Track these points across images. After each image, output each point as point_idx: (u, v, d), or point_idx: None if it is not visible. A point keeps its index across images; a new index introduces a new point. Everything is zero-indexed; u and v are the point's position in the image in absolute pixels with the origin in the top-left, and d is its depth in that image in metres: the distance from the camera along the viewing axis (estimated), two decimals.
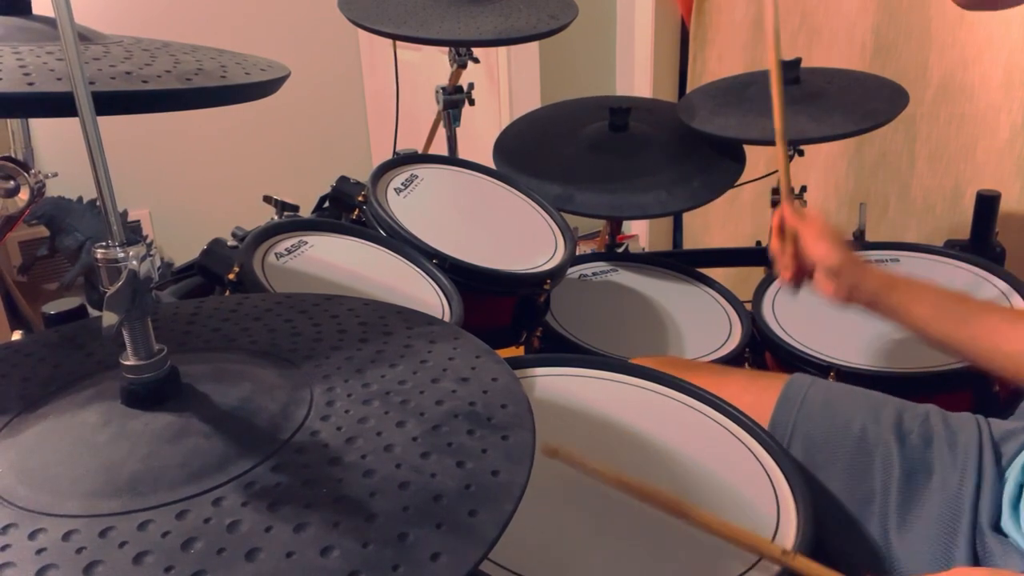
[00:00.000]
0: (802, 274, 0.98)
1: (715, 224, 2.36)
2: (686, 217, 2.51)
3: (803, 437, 0.84)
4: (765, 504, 0.72)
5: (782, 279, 1.00)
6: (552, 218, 1.26)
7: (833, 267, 0.93)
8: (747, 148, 1.43)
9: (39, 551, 0.42)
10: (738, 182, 1.41)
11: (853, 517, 0.79)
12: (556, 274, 1.14)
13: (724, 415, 0.84)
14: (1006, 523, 0.72)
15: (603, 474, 0.69)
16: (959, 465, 0.77)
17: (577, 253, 1.38)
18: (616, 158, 1.43)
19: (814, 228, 0.96)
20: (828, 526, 0.77)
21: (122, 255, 0.48)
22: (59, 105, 0.51)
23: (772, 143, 1.43)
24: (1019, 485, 0.73)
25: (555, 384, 0.88)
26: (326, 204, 1.23)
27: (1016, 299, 1.18)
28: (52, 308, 0.82)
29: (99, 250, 0.48)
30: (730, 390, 0.87)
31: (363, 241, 1.09)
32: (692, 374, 0.89)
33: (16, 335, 0.76)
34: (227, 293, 0.94)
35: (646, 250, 2.44)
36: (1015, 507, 0.72)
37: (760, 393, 0.88)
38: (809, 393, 0.88)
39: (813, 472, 0.82)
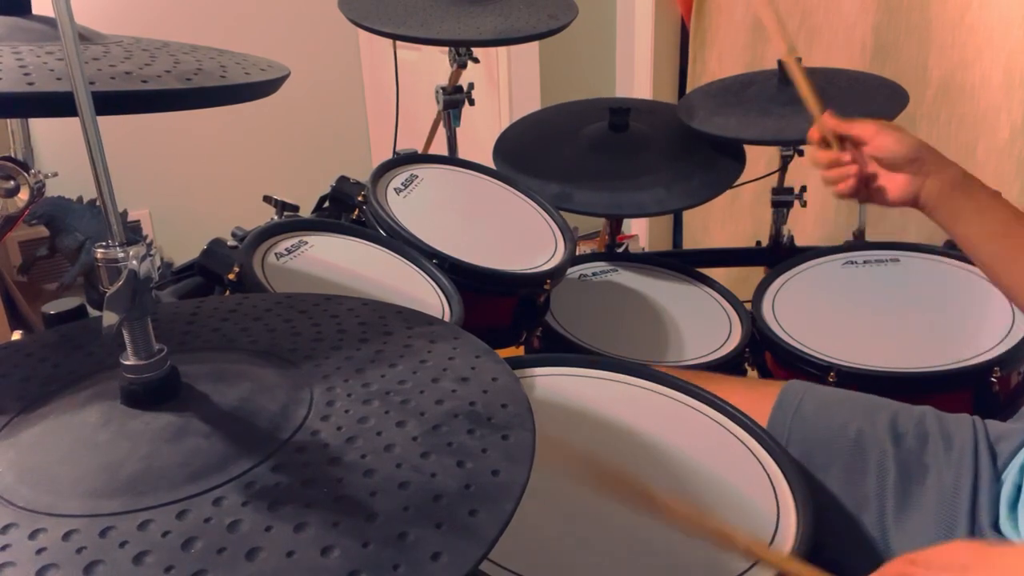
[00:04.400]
0: (863, 181, 0.91)
1: (715, 224, 2.36)
2: (686, 217, 2.51)
3: (799, 441, 0.84)
4: (765, 504, 0.72)
5: (838, 191, 0.92)
6: (552, 218, 1.26)
7: (907, 153, 0.88)
8: (747, 148, 1.43)
9: (39, 551, 0.42)
10: (738, 182, 1.41)
11: (852, 517, 0.79)
12: (556, 274, 1.14)
13: (724, 415, 0.84)
14: (1004, 524, 0.72)
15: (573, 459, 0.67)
16: (954, 465, 0.77)
17: (577, 253, 1.38)
18: (616, 158, 1.43)
19: (871, 124, 0.91)
20: (827, 526, 0.78)
21: (122, 255, 0.48)
22: (59, 105, 0.51)
23: (771, 143, 1.45)
24: (1017, 486, 0.73)
25: (555, 384, 0.88)
26: (326, 204, 1.23)
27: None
28: (52, 308, 0.82)
29: (99, 250, 0.48)
30: (727, 396, 0.87)
31: (363, 241, 1.09)
32: (690, 381, 0.89)
33: (16, 335, 0.76)
34: (227, 293, 0.94)
35: (646, 250, 2.43)
36: (1013, 508, 0.72)
37: (758, 400, 0.88)
38: (805, 398, 0.88)
39: (810, 474, 0.82)
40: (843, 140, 0.93)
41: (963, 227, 0.87)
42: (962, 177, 0.89)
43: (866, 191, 0.92)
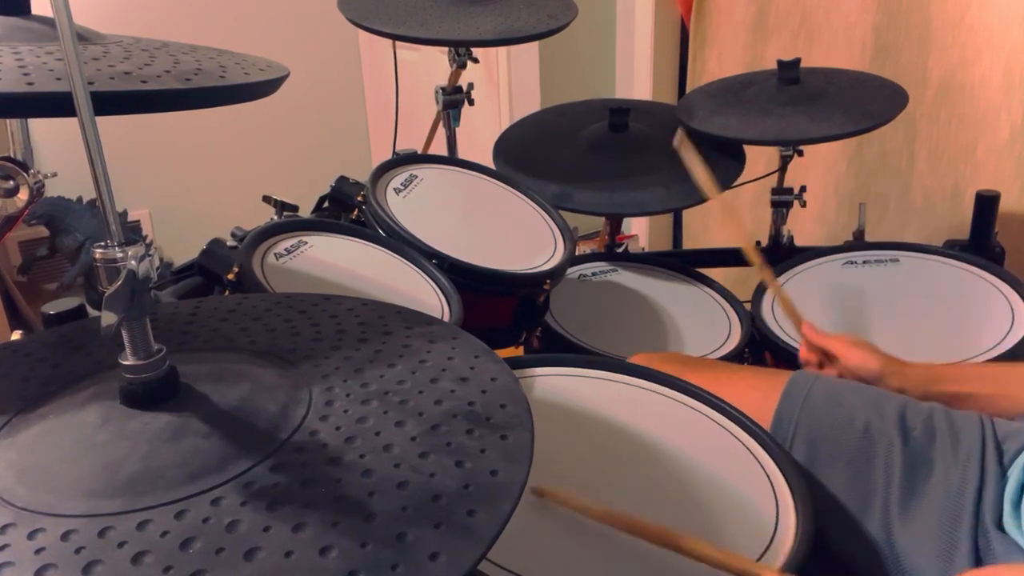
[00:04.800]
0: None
1: (715, 224, 2.36)
2: (686, 217, 2.51)
3: (806, 432, 0.84)
4: (764, 504, 0.72)
5: None
6: (552, 218, 1.26)
7: (874, 371, 0.94)
8: (747, 148, 1.43)
9: (38, 551, 0.42)
10: (738, 182, 1.41)
11: (854, 515, 0.78)
12: (556, 274, 1.14)
13: (724, 415, 0.84)
14: (1007, 521, 0.72)
15: (591, 510, 0.67)
16: (961, 461, 0.77)
17: (577, 253, 1.38)
18: (616, 158, 1.43)
19: (843, 340, 0.98)
20: (828, 524, 0.77)
21: (121, 255, 0.48)
22: (58, 105, 0.51)
23: (771, 143, 1.45)
24: (1020, 484, 0.73)
25: (555, 384, 0.88)
26: (325, 204, 1.23)
27: (1016, 299, 1.18)
28: (52, 308, 0.82)
29: (98, 250, 0.48)
30: (738, 387, 0.88)
31: (362, 241, 1.09)
32: (699, 370, 0.89)
33: (16, 335, 0.76)
34: (226, 293, 0.94)
35: (646, 250, 2.43)
36: (1016, 506, 0.72)
37: (768, 391, 0.88)
38: (813, 389, 0.87)
39: (816, 466, 0.82)
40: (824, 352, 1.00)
41: (962, 401, 0.91)
42: (929, 374, 0.94)
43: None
